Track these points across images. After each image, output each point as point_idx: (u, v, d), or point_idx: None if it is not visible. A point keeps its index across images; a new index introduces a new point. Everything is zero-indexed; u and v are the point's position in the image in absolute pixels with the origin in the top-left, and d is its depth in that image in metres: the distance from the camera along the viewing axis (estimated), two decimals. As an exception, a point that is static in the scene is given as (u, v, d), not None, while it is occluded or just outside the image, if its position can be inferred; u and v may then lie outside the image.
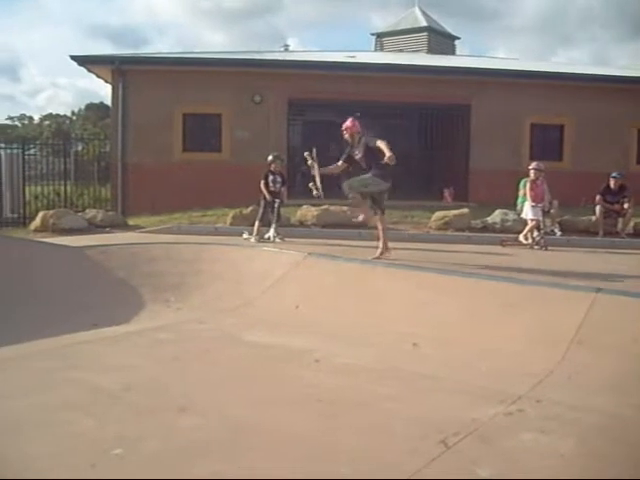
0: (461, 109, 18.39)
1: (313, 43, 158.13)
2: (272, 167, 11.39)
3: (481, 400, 4.85)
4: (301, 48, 53.96)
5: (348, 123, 9.05)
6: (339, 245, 10.68)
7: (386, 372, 5.61)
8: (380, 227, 9.18)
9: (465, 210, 13.64)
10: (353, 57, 20.40)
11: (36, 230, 12.57)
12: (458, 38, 30.35)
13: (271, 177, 11.31)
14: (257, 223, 11.03)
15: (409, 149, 20.42)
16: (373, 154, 8.65)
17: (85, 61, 18.67)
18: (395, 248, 10.40)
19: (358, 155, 8.89)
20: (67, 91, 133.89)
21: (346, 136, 8.98)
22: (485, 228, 13.13)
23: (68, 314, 7.42)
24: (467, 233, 12.81)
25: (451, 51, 28.80)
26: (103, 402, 4.95)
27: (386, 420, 4.53)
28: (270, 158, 11.50)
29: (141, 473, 3.76)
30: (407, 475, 3.63)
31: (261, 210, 11.20)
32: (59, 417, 4.63)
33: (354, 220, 9.03)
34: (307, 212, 13.11)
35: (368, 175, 8.70)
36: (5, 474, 3.71)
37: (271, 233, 10.99)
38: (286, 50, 28.06)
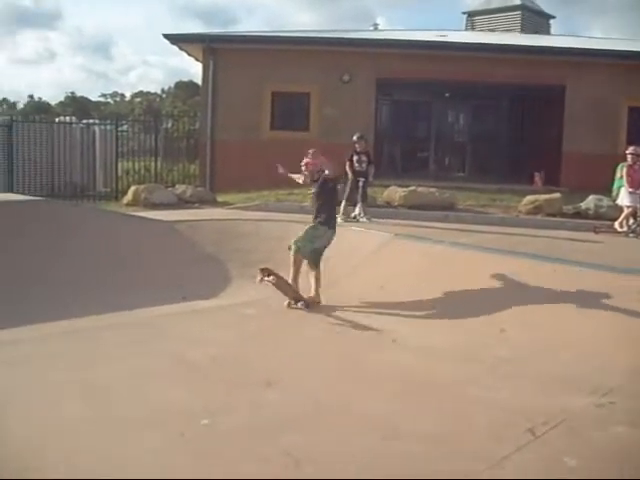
0: (555, 91, 17.81)
1: (402, 22, 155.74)
2: (357, 147, 11.33)
3: (570, 390, 4.72)
4: (390, 27, 53.34)
5: (308, 159, 8.11)
6: (426, 227, 10.57)
7: (469, 356, 5.55)
8: (314, 278, 7.50)
9: (557, 195, 13.26)
10: (444, 36, 20.05)
11: (128, 204, 12.92)
12: (553, 17, 29.51)
13: (356, 157, 11.25)
14: (343, 202, 11.00)
15: (498, 131, 20.03)
16: (325, 195, 7.73)
17: (177, 39, 18.97)
18: (483, 232, 10.25)
19: (313, 191, 7.98)
20: (157, 69, 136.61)
21: (305, 173, 8.11)
22: (578, 214, 12.74)
23: (158, 286, 7.61)
24: (558, 219, 12.46)
25: (546, 30, 27.95)
26: (191, 373, 5.08)
27: (467, 405, 4.48)
28: (355, 138, 11.45)
29: (228, 443, 3.85)
30: (491, 462, 3.58)
31: (347, 189, 11.16)
32: (149, 386, 4.78)
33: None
34: (394, 193, 13.00)
35: (313, 225, 7.59)
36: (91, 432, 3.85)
37: (357, 212, 10.96)
38: (375, 29, 27.76)
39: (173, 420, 4.14)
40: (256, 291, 7.88)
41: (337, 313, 6.85)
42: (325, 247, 7.50)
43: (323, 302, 7.17)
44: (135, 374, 4.99)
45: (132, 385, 4.78)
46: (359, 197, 11.07)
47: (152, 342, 5.88)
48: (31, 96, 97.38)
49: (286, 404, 4.46)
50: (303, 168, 8.08)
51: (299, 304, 6.97)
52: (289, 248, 7.32)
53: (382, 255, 8.49)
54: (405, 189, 12.96)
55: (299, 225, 9.83)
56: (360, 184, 11.07)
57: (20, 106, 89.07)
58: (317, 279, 7.26)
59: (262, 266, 6.92)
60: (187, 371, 5.12)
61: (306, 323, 6.58)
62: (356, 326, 6.42)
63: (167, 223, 9.58)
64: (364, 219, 10.79)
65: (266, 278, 6.72)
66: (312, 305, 7.03)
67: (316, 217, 7.58)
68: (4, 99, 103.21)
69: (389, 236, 9.01)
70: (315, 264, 7.33)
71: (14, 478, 3.14)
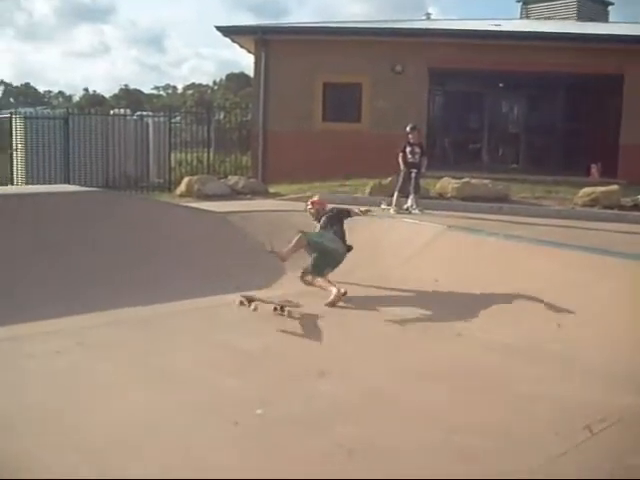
0: (612, 80, 17.37)
1: (455, 12, 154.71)
2: (410, 138, 11.23)
3: (629, 388, 4.63)
4: (442, 17, 52.81)
5: (316, 198, 8.31)
6: (479, 219, 10.42)
7: (528, 351, 5.46)
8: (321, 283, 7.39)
9: (614, 187, 12.96)
10: (498, 25, 19.77)
11: (181, 195, 13.06)
12: (611, 3, 28.76)
13: (409, 148, 11.14)
14: (396, 194, 10.94)
15: (553, 122, 19.66)
16: (336, 219, 7.80)
17: (230, 32, 19.09)
18: (538, 224, 10.08)
19: (322, 223, 7.90)
20: (209, 61, 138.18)
21: (312, 211, 8.06)
22: (636, 207, 12.40)
23: (211, 276, 7.67)
24: (616, 211, 12.17)
25: (603, 18, 27.30)
26: (245, 363, 5.11)
27: (526, 400, 4.42)
28: (408, 129, 11.33)
29: (280, 434, 3.86)
30: (549, 458, 3.54)
31: (400, 181, 11.09)
32: (203, 375, 4.82)
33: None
34: (447, 184, 12.88)
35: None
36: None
37: (409, 204, 10.88)
38: (428, 19, 27.53)
39: (227, 409, 4.18)
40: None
41: (392, 306, 6.81)
42: (330, 254, 7.44)
43: (376, 294, 7.14)
44: (189, 363, 5.05)
45: (186, 375, 4.82)
46: (411, 189, 10.98)
47: (208, 331, 5.94)
48: (86, 89, 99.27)
49: (340, 395, 4.46)
50: (309, 207, 8.09)
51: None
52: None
53: (435, 247, 8.41)
54: (458, 180, 12.83)
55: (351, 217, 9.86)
56: (412, 175, 10.98)
57: (76, 99, 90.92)
58: (324, 281, 7.18)
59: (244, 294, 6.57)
60: (241, 361, 5.16)
61: (361, 315, 6.56)
62: (415, 319, 6.39)
63: (220, 214, 9.64)
64: (416, 211, 10.71)
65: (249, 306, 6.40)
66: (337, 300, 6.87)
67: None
68: (60, 92, 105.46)
69: (442, 228, 8.92)
70: (317, 272, 7.27)
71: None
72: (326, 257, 7.39)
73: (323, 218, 7.75)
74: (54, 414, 4.07)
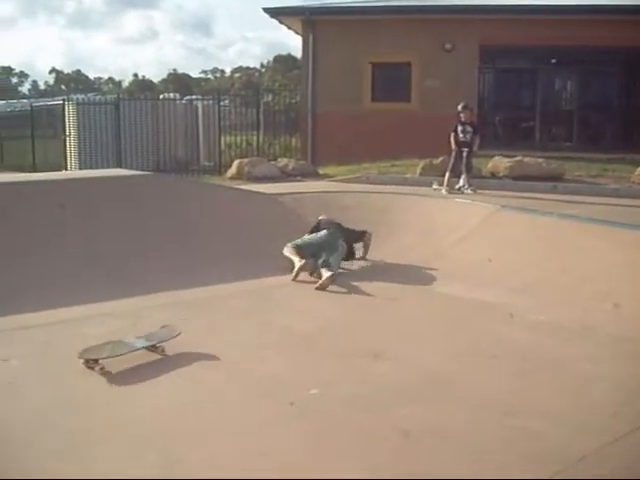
0: (672, 54, 16.85)
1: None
2: (462, 117, 11.04)
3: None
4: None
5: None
6: (533, 198, 10.21)
7: (583, 332, 5.36)
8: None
9: (674, 164, 12.57)
10: None
11: (232, 178, 13.10)
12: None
13: (460, 127, 10.95)
14: (447, 174, 10.80)
15: (609, 98, 19.16)
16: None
17: (277, 13, 19.05)
18: (594, 203, 9.88)
19: None
20: (256, 44, 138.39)
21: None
22: (696, 184, 12.04)
23: (264, 258, 7.67)
24: (676, 189, 11.81)
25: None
26: (298, 344, 5.13)
27: (583, 382, 4.35)
28: (459, 107, 11.13)
29: (338, 413, 3.86)
30: (609, 439, 3.49)
31: (452, 161, 10.94)
32: (259, 355, 4.85)
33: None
34: (499, 163, 12.63)
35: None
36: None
37: (461, 184, 10.73)
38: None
39: (282, 389, 4.20)
40: (361, 263, 7.88)
41: (446, 286, 6.75)
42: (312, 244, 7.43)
43: (428, 275, 7.09)
44: (241, 345, 5.08)
45: (244, 355, 4.86)
46: (463, 168, 10.82)
47: (261, 312, 5.97)
48: (135, 74, 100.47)
49: (395, 376, 4.44)
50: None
51: None
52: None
53: (488, 227, 8.28)
54: (511, 159, 12.58)
55: (402, 197, 9.78)
56: (464, 155, 10.82)
57: (125, 85, 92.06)
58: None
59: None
60: (293, 341, 5.17)
61: (415, 296, 6.51)
62: (468, 299, 6.31)
63: (271, 196, 9.66)
64: (468, 190, 10.56)
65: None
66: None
67: None
68: (110, 78, 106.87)
69: (495, 208, 8.78)
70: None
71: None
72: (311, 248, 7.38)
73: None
74: (108, 396, 4.13)
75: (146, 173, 10.00)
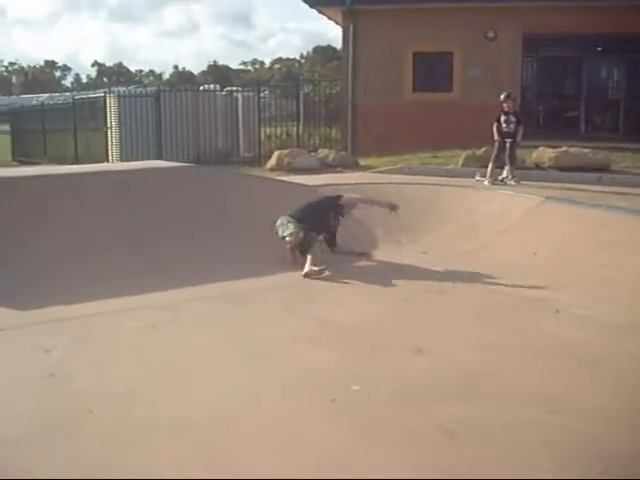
0: None
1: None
2: (505, 106, 10.80)
3: None
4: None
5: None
6: (578, 190, 9.95)
7: (632, 328, 5.17)
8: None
9: None
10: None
11: (271, 169, 13.06)
12: None
13: (503, 117, 10.71)
14: (490, 165, 10.60)
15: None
16: None
17: (316, 3, 18.92)
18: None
19: None
20: (296, 35, 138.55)
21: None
22: None
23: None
24: None
25: None
26: (337, 337, 5.04)
27: (632, 380, 4.23)
28: (502, 97, 10.88)
29: (380, 410, 3.77)
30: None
31: (495, 151, 10.72)
32: (299, 349, 4.78)
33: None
34: (544, 154, 12.37)
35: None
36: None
37: (505, 175, 10.52)
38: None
39: (322, 384, 4.12)
40: (402, 256, 7.77)
41: (489, 280, 6.61)
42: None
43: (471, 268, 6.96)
44: (280, 337, 5.02)
45: (283, 347, 4.80)
46: (507, 159, 10.60)
47: (301, 305, 5.91)
48: (175, 67, 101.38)
49: (437, 372, 4.33)
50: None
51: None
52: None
53: (533, 219, 8.12)
54: (555, 150, 12.31)
55: (444, 189, 9.64)
56: (507, 145, 10.60)
57: (166, 77, 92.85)
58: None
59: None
60: (333, 334, 5.09)
61: (457, 290, 6.38)
62: (512, 294, 6.15)
63: (312, 187, 9.58)
64: (512, 182, 10.35)
65: None
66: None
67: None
68: (151, 71, 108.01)
69: (540, 199, 8.59)
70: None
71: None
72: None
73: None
74: (150, 387, 4.11)
75: (187, 165, 9.99)
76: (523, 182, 10.33)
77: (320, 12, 19.73)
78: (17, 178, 8.02)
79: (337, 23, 19.83)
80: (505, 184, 10.28)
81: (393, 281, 6.63)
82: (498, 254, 7.42)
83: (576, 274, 6.52)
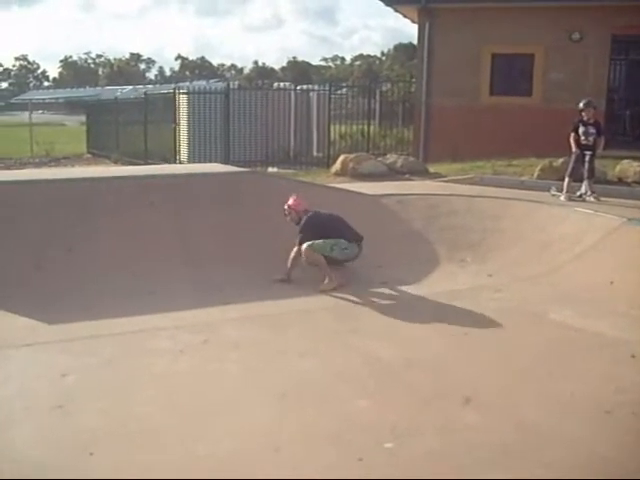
0: None
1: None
2: (584, 115, 9.89)
3: None
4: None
5: (290, 201, 7.19)
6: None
7: None
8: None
9: None
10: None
11: (336, 174, 12.56)
12: None
13: (582, 128, 9.77)
14: (567, 179, 9.80)
15: None
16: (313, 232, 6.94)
17: (392, 1, 18.34)
18: None
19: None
20: (378, 32, 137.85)
21: (288, 218, 7.17)
22: None
23: (357, 269, 7.14)
24: None
25: None
26: (382, 379, 4.54)
27: None
28: (581, 105, 9.92)
29: (412, 475, 3.31)
30: None
31: (571, 164, 9.93)
32: (333, 389, 4.34)
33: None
34: (628, 167, 11.43)
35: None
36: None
37: (583, 190, 9.70)
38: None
39: (354, 437, 3.68)
40: (465, 278, 7.19)
41: (560, 312, 5.93)
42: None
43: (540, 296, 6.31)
44: (320, 373, 4.59)
45: (320, 387, 4.36)
46: (585, 173, 9.75)
47: (344, 334, 5.40)
48: (256, 62, 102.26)
49: (487, 429, 3.80)
50: (286, 212, 7.19)
51: None
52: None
53: (612, 242, 7.37)
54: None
55: (516, 203, 8.94)
56: (587, 158, 9.75)
57: (246, 71, 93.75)
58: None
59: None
60: (377, 375, 4.58)
61: (522, 323, 5.74)
62: (584, 332, 5.49)
63: (372, 197, 9.03)
64: (591, 198, 9.51)
65: None
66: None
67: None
68: (232, 65, 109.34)
69: (621, 220, 7.82)
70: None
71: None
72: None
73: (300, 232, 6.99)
74: (163, 429, 3.77)
75: (242, 170, 9.55)
76: (603, 199, 9.48)
77: (395, 10, 19.13)
78: (55, 181, 7.73)
79: (413, 21, 19.19)
80: (584, 200, 9.45)
81: (451, 311, 6.04)
82: (570, 281, 6.75)
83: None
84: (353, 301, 6.33)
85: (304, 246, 6.74)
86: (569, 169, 9.79)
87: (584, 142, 9.65)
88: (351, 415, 3.96)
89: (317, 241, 6.77)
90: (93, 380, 4.43)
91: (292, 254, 6.88)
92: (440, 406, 4.11)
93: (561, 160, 11.03)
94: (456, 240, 8.11)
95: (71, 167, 19.22)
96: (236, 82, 26.97)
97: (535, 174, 11.45)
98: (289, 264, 6.88)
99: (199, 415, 3.93)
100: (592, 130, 9.68)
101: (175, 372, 4.57)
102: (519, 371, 4.69)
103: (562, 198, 9.49)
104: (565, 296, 6.35)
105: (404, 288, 6.74)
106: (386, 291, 6.62)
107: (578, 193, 9.57)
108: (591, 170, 9.70)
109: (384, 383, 4.45)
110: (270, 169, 16.36)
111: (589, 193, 9.53)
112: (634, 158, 11.75)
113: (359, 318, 5.85)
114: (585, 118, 9.75)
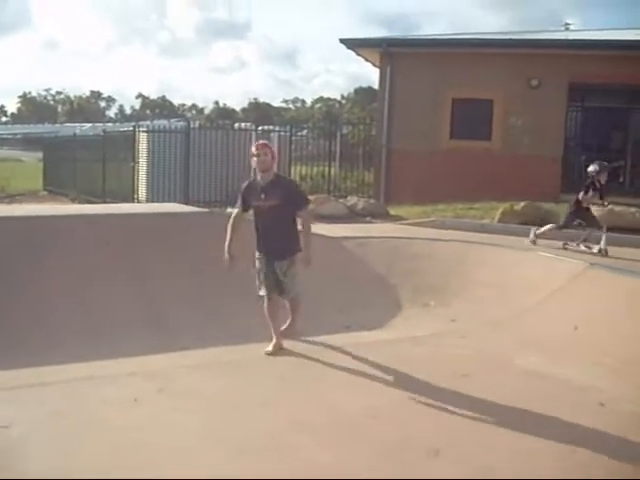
0: None
1: (595, 23, 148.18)
2: (601, 179, 9.43)
3: None
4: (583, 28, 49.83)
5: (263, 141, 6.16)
6: (627, 255, 9.06)
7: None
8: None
9: None
10: (646, 36, 18.11)
11: (298, 215, 12.45)
12: None
13: (592, 192, 9.43)
14: (552, 227, 9.71)
15: None
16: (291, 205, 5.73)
17: (354, 44, 18.49)
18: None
19: (269, 201, 5.66)
20: (339, 76, 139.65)
21: (255, 158, 5.67)
22: None
23: (320, 313, 6.92)
24: None
25: None
26: (345, 431, 4.32)
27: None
28: (594, 168, 9.49)
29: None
30: None
31: (566, 219, 9.75)
32: (293, 443, 4.11)
33: None
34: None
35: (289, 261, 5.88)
36: None
37: (602, 245, 9.17)
38: (567, 29, 25.87)
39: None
40: (429, 323, 7.05)
41: (525, 359, 5.81)
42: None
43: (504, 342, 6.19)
44: (282, 423, 4.36)
45: (281, 441, 4.12)
46: (596, 227, 9.58)
47: (304, 383, 5.18)
48: (217, 102, 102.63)
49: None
50: (261, 152, 5.66)
51: None
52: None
53: (576, 288, 7.33)
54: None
55: (478, 247, 8.88)
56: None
57: (207, 111, 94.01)
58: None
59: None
60: (341, 426, 4.36)
61: (486, 370, 5.57)
62: (549, 378, 5.36)
63: (334, 239, 8.92)
64: (595, 248, 9.22)
65: None
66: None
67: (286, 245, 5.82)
68: (193, 105, 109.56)
69: (583, 265, 7.80)
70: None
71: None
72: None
73: (273, 192, 5.63)
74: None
75: (200, 210, 9.40)
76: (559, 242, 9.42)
77: (357, 54, 19.29)
78: (7, 218, 7.46)
79: (375, 65, 19.38)
80: (605, 255, 9.02)
81: (415, 358, 5.85)
82: (534, 326, 6.65)
83: (626, 357, 5.72)
84: (316, 345, 6.09)
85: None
86: (561, 221, 9.69)
87: (585, 206, 9.56)
88: (313, 468, 3.76)
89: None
90: (40, 431, 4.12)
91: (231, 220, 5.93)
92: (406, 459, 3.92)
93: (522, 204, 11.07)
94: (418, 284, 8.00)
95: (26, 204, 18.78)
96: (197, 122, 26.68)
97: (496, 217, 11.47)
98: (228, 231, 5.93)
99: (153, 472, 3.67)
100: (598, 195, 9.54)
101: (127, 424, 4.29)
102: (487, 421, 4.51)
103: (526, 242, 9.38)
104: (529, 342, 6.21)
105: (367, 333, 6.58)
106: (348, 336, 6.44)
107: (597, 248, 9.18)
108: (597, 221, 9.58)
109: (346, 436, 4.22)
110: (229, 209, 16.13)
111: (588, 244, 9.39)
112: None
113: (321, 365, 5.61)
114: (602, 181, 9.47)
